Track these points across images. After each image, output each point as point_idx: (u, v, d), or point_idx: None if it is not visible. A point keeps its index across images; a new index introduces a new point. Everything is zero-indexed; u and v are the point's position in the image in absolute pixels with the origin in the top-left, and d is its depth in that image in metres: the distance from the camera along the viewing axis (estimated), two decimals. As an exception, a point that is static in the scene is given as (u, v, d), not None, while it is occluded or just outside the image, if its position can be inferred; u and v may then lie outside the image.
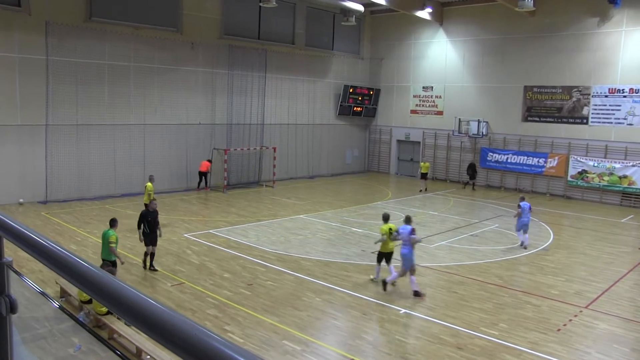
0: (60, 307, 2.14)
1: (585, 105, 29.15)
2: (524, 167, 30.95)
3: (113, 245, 11.80)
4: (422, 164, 31.15)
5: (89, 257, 13.81)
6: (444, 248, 17.78)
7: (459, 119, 32.78)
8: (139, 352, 9.07)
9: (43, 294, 2.10)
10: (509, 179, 31.78)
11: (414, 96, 35.85)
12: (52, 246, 1.69)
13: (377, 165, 37.92)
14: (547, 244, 19.12)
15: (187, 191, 26.23)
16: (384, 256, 13.71)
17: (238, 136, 28.74)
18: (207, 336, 1.25)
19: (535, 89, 30.82)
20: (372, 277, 13.99)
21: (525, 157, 31.07)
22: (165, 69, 25.62)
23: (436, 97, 34.80)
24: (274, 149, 29.86)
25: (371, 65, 37.23)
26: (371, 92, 36.47)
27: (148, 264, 14.03)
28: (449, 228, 20.83)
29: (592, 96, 28.85)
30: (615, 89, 28.08)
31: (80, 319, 8.56)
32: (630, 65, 27.48)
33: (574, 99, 29.49)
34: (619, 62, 27.95)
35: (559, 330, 11.37)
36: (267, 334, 10.47)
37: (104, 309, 9.77)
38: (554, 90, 30.11)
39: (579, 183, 29.29)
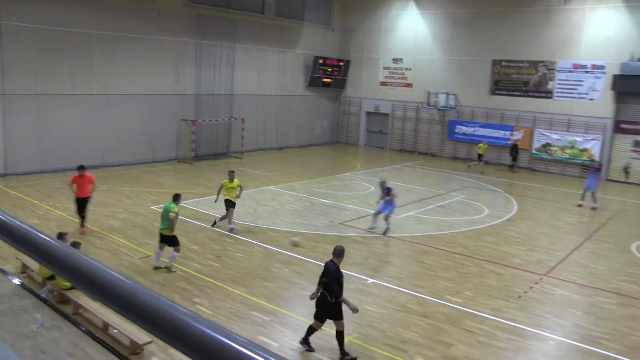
0: (21, 284, 2.13)
1: (551, 79, 29.60)
2: (491, 140, 31.28)
3: (173, 214, 12.12)
4: (480, 145, 29.45)
5: (52, 231, 13.30)
6: (411, 219, 18.03)
7: (428, 91, 32.93)
8: (106, 326, 9.03)
9: (2, 270, 2.09)
10: (476, 151, 32.09)
11: (384, 68, 35.84)
12: (11, 220, 1.68)
13: (346, 136, 37.97)
14: (512, 214, 19.53)
15: (154, 163, 25.89)
16: None
17: (206, 107, 28.38)
18: (172, 308, 1.27)
19: (503, 63, 31.11)
20: None
21: (492, 130, 31.48)
22: (131, 38, 24.98)
23: (406, 69, 34.85)
24: (243, 120, 29.63)
25: (341, 36, 37.00)
26: (341, 64, 36.32)
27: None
28: (415, 199, 21.09)
29: (557, 71, 29.30)
30: (579, 64, 28.55)
31: (43, 295, 8.47)
32: (593, 42, 27.99)
33: (540, 74, 29.90)
34: (583, 38, 28.38)
35: (520, 297, 11.74)
36: (236, 305, 10.55)
37: (68, 284, 9.71)
38: (521, 65, 30.45)
39: (542, 156, 29.89)
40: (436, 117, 33.71)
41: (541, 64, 29.78)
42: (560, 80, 29.28)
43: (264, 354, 1.23)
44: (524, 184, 26.41)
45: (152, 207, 17.59)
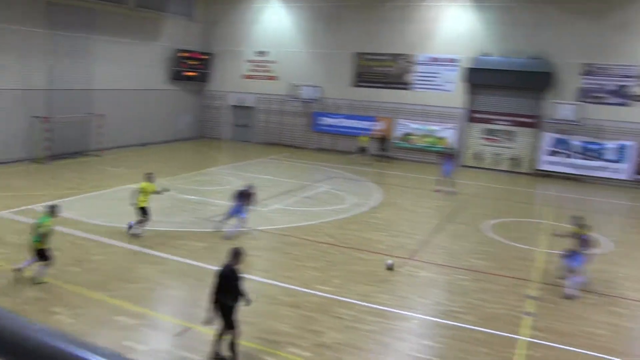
0: None
1: (410, 72, 31.21)
2: (354, 131, 32.43)
3: (43, 230, 11.07)
4: (361, 137, 30.38)
5: None
6: (278, 211, 18.14)
7: (293, 84, 33.29)
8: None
9: None
10: (341, 142, 33.16)
11: (248, 61, 35.71)
12: None
13: (210, 131, 37.36)
14: (376, 202, 20.29)
15: (1, 164, 23.85)
16: None
17: (61, 103, 26.54)
18: (16, 324, 1.14)
19: (365, 56, 32.24)
20: None
21: (356, 121, 32.56)
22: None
23: (270, 62, 34.97)
24: (102, 115, 28.15)
25: (204, 28, 36.26)
26: (204, 57, 35.68)
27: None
28: (282, 191, 21.27)
29: (416, 64, 30.98)
30: (435, 58, 30.45)
31: None
32: (448, 37, 30.08)
33: (400, 66, 31.42)
34: (439, 33, 30.30)
35: (385, 281, 12.22)
36: (99, 311, 10.00)
37: None
38: (382, 58, 31.79)
39: (404, 145, 31.42)
40: (300, 110, 34.19)
41: (401, 57, 31.29)
42: (418, 72, 31.00)
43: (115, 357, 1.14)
44: (386, 172, 27.61)
45: (0, 212, 16.22)
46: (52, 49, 25.92)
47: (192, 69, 34.94)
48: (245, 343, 9.09)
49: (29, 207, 16.96)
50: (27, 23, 24.90)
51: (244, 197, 15.05)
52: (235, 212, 14.93)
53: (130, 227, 14.52)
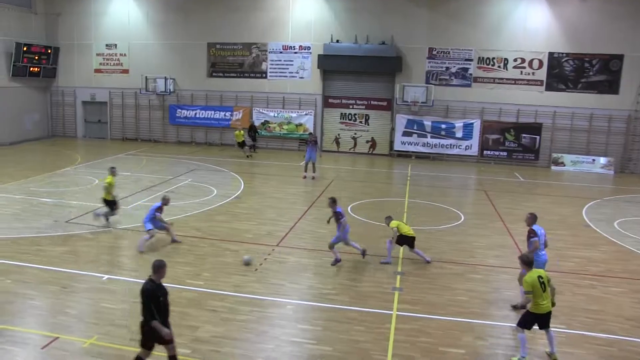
0: None
1: (264, 60, 31.37)
2: (212, 122, 32.12)
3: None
4: (237, 132, 29.27)
5: None
6: (141, 208, 17.47)
7: (146, 77, 32.15)
8: None
9: None
10: (199, 134, 32.69)
11: (97, 54, 33.93)
12: None
13: (62, 129, 35.14)
14: (239, 192, 20.26)
15: None
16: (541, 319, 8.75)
17: None
18: None
19: (218, 46, 31.89)
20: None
21: (213, 112, 32.22)
22: None
23: (121, 55, 33.49)
24: None
25: (47, 21, 33.73)
26: (49, 51, 33.28)
27: None
28: (144, 187, 20.55)
29: (269, 52, 31.18)
30: (288, 46, 30.84)
31: None
32: (299, 24, 30.60)
33: (254, 55, 31.46)
34: (290, 21, 30.67)
35: (256, 270, 12.29)
36: (-54, 332, 9.10)
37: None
38: (235, 47, 31.61)
39: (263, 133, 31.58)
40: (156, 103, 33.20)
41: (254, 46, 31.33)
42: (272, 61, 31.23)
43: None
44: (248, 161, 27.59)
45: None
46: None
47: (36, 64, 32.49)
48: (119, 347, 8.79)
49: None
50: None
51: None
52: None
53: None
